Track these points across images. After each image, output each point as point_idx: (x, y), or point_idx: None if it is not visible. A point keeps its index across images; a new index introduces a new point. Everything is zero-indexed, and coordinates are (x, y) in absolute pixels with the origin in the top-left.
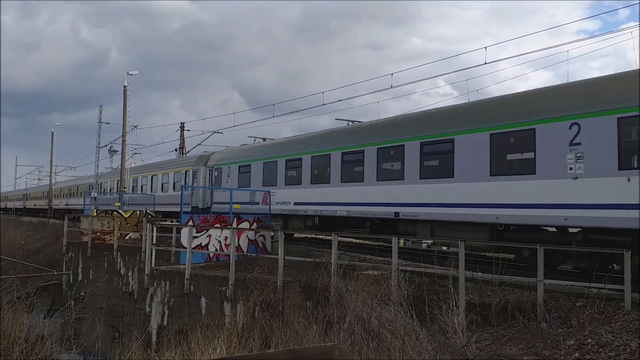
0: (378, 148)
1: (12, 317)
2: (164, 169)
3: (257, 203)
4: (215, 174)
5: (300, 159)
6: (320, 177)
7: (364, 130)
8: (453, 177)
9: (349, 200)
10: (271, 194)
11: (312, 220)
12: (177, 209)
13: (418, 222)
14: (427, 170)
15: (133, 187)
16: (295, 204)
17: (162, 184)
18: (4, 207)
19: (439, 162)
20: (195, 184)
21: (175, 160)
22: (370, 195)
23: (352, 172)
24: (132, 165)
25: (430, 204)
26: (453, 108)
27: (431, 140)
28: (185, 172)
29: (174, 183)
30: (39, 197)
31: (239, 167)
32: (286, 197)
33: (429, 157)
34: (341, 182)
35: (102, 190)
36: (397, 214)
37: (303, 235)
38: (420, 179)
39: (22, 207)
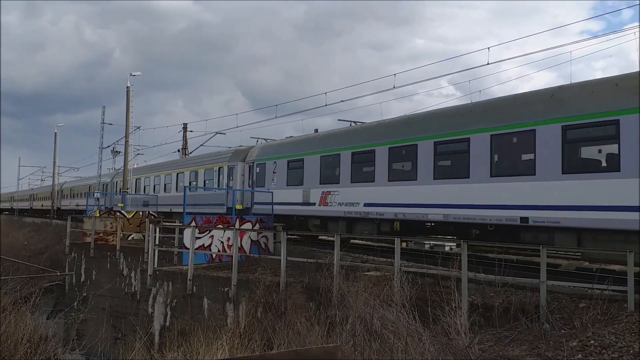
0: (492, 135)
1: (16, 318)
2: (192, 166)
3: (314, 204)
4: (257, 170)
5: (373, 151)
6: (403, 173)
7: (468, 113)
8: (619, 170)
9: (446, 202)
10: (332, 193)
11: (389, 226)
12: (207, 210)
13: (558, 230)
14: (573, 163)
15: (155, 186)
16: (366, 205)
17: (190, 183)
18: (10, 207)
19: (591, 152)
20: (231, 183)
21: (206, 156)
22: (481, 195)
23: (450, 167)
24: (135, 166)
25: (580, 207)
26: (613, 81)
27: (579, 124)
28: (219, 168)
29: (204, 181)
30: (47, 198)
31: (288, 162)
32: (353, 198)
33: (575, 145)
34: (434, 178)
35: (119, 190)
36: (525, 219)
37: (303, 236)
38: (562, 174)
39: (29, 207)
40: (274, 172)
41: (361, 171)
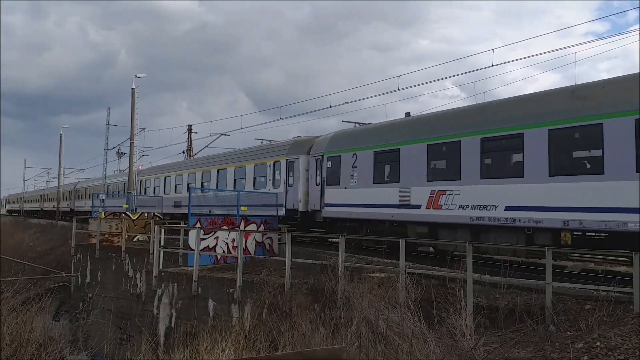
0: None
1: (25, 319)
2: (238, 160)
3: (417, 206)
4: (329, 165)
5: (521, 136)
6: (576, 166)
7: None
8: None
9: None
10: (447, 193)
11: (549, 237)
12: (258, 212)
13: None
14: None
15: (188, 184)
16: (509, 208)
17: (235, 180)
18: (19, 209)
19: None
20: (291, 180)
21: (255, 149)
22: None
23: None
24: (140, 168)
25: None
26: None
27: None
28: (274, 163)
29: (254, 178)
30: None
31: (375, 153)
32: (485, 199)
33: None
34: (638, 171)
35: (144, 189)
36: None
37: (308, 238)
38: None
39: (40, 208)
40: (353, 167)
41: (498, 163)
